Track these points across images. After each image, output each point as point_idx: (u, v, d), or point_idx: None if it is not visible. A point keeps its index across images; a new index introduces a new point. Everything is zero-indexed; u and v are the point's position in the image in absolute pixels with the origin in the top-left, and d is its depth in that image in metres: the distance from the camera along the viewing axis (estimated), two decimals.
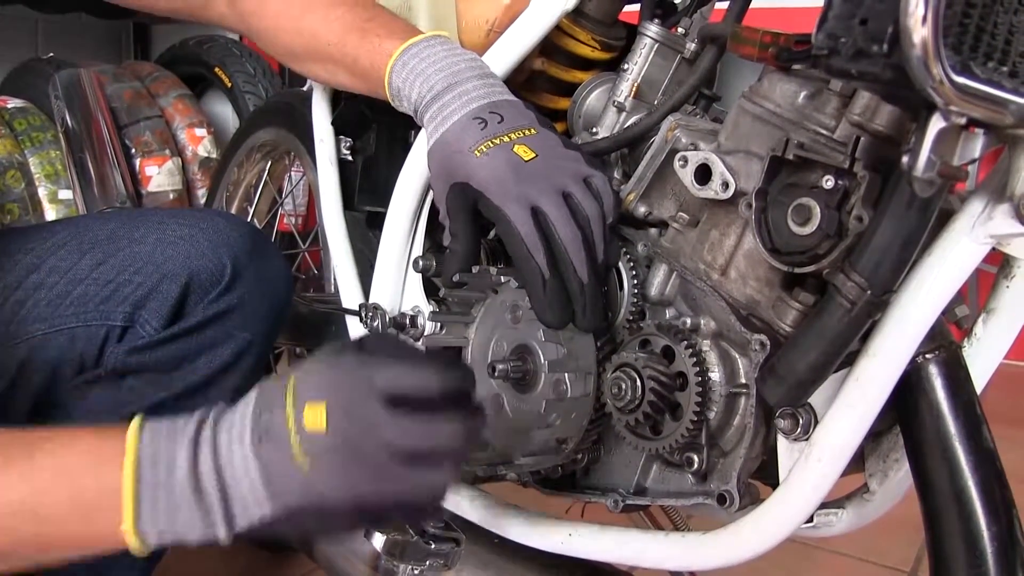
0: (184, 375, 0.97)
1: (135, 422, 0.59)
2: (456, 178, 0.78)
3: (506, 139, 0.76)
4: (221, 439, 0.58)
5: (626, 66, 0.87)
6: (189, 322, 0.95)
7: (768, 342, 0.68)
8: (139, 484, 0.56)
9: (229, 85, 3.02)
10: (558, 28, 0.88)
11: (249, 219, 1.79)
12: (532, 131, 0.77)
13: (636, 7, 0.91)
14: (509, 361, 0.76)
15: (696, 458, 0.73)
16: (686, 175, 0.72)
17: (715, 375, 0.73)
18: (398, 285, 0.97)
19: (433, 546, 0.81)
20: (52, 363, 0.95)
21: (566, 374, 0.75)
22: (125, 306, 0.94)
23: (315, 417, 0.56)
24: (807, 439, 0.67)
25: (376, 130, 1.16)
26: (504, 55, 0.88)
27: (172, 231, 0.96)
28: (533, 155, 0.75)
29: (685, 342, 0.72)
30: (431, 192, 0.92)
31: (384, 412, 0.57)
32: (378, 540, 0.80)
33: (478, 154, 0.76)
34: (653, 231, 0.81)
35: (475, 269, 0.79)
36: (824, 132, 0.66)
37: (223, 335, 0.97)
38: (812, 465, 0.66)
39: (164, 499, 0.57)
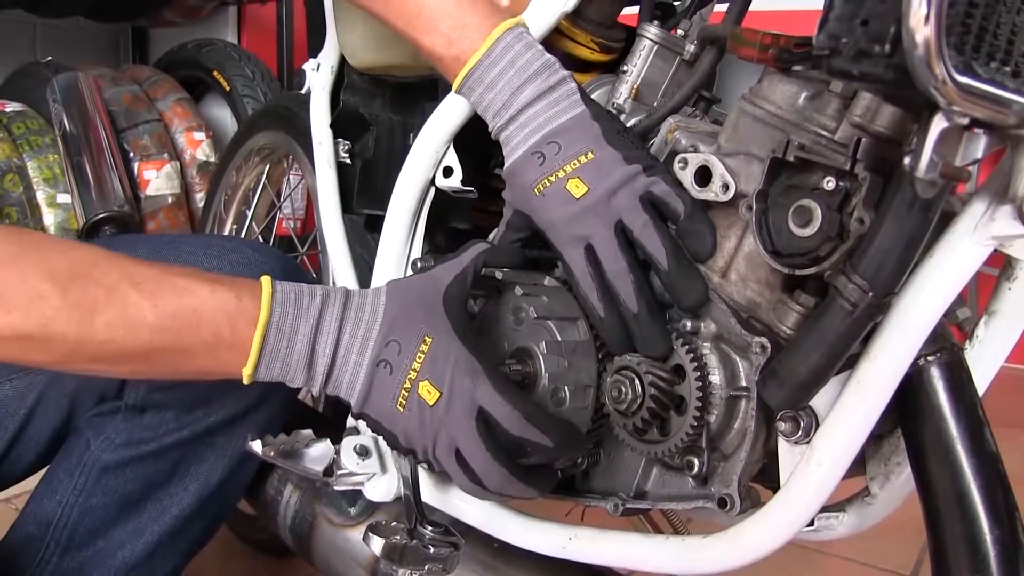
0: (206, 414, 0.95)
1: (267, 290, 0.72)
2: (520, 207, 0.81)
3: (561, 173, 0.76)
4: (344, 336, 0.73)
5: (625, 68, 0.87)
6: None
7: (769, 345, 0.67)
8: (264, 346, 0.71)
9: (228, 89, 3.02)
10: (557, 30, 0.88)
11: (247, 222, 1.79)
12: (589, 155, 0.76)
13: (635, 9, 0.91)
14: (508, 364, 0.76)
15: (697, 461, 0.72)
16: (686, 177, 0.72)
17: (715, 378, 0.72)
18: None
19: (432, 550, 0.81)
20: (71, 394, 0.94)
21: (565, 386, 0.75)
22: None
23: (429, 394, 0.71)
24: (808, 442, 0.67)
25: (374, 133, 1.16)
26: None
27: (199, 263, 0.94)
28: (585, 189, 0.75)
29: (686, 346, 0.72)
30: (429, 194, 0.92)
31: (472, 431, 0.70)
32: (376, 544, 0.80)
33: (537, 193, 0.77)
34: None
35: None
36: (825, 133, 0.65)
37: None
38: (813, 468, 0.65)
39: (281, 361, 0.72)
